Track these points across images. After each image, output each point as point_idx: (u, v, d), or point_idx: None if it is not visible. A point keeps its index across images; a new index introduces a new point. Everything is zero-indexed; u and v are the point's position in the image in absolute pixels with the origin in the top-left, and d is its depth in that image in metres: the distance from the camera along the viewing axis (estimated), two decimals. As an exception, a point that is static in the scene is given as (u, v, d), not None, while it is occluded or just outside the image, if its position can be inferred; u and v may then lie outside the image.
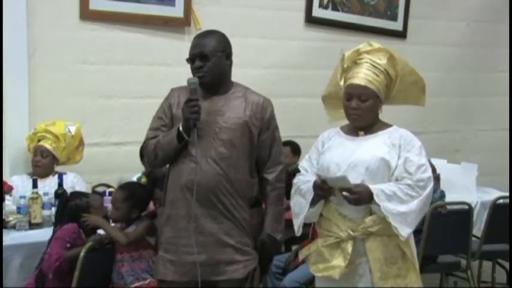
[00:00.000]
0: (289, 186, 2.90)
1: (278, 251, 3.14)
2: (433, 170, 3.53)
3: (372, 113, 2.74)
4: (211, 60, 2.83)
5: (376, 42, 2.82)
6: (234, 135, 2.83)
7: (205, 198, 2.80)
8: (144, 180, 3.58)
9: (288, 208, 2.92)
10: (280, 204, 2.96)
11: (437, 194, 4.19)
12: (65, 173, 4.17)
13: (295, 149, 4.80)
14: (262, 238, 2.92)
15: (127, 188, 3.31)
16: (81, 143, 4.34)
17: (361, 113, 2.72)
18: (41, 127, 4.22)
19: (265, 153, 2.93)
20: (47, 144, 4.15)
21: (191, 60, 2.86)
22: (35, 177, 3.85)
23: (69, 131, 4.22)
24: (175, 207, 2.86)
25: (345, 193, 2.58)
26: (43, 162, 4.14)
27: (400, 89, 2.80)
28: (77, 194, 3.42)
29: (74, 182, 4.13)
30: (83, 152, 4.37)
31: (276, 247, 3.01)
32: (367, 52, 2.78)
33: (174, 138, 2.81)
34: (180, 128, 2.79)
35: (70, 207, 3.27)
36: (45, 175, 4.12)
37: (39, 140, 4.19)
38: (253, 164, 2.93)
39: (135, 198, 3.25)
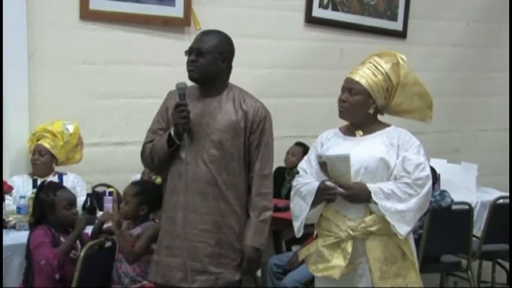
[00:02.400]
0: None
1: (259, 263, 3.03)
2: (433, 172, 3.53)
3: (360, 109, 2.73)
4: (206, 58, 2.80)
5: (397, 51, 2.81)
6: (225, 137, 2.80)
7: (193, 201, 2.80)
8: (158, 180, 3.58)
9: (286, 209, 2.90)
10: (263, 214, 2.84)
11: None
12: (66, 173, 4.17)
13: (306, 152, 4.80)
14: (244, 251, 2.82)
15: (139, 183, 3.41)
16: (79, 141, 4.33)
17: (348, 106, 2.72)
18: (40, 127, 4.24)
19: (252, 155, 2.85)
20: (45, 143, 4.15)
21: (189, 53, 2.85)
22: (35, 177, 3.85)
23: (67, 130, 4.22)
24: (165, 209, 2.91)
25: (339, 189, 2.59)
26: (41, 161, 4.14)
27: (402, 99, 2.78)
28: (49, 187, 3.27)
29: (74, 182, 4.13)
30: (82, 151, 4.37)
31: (258, 258, 2.88)
32: (378, 55, 2.80)
33: (166, 143, 2.81)
34: (172, 133, 2.79)
35: (37, 202, 3.22)
36: (45, 175, 4.11)
37: (38, 140, 4.20)
38: (246, 167, 2.87)
39: (145, 194, 3.29)
